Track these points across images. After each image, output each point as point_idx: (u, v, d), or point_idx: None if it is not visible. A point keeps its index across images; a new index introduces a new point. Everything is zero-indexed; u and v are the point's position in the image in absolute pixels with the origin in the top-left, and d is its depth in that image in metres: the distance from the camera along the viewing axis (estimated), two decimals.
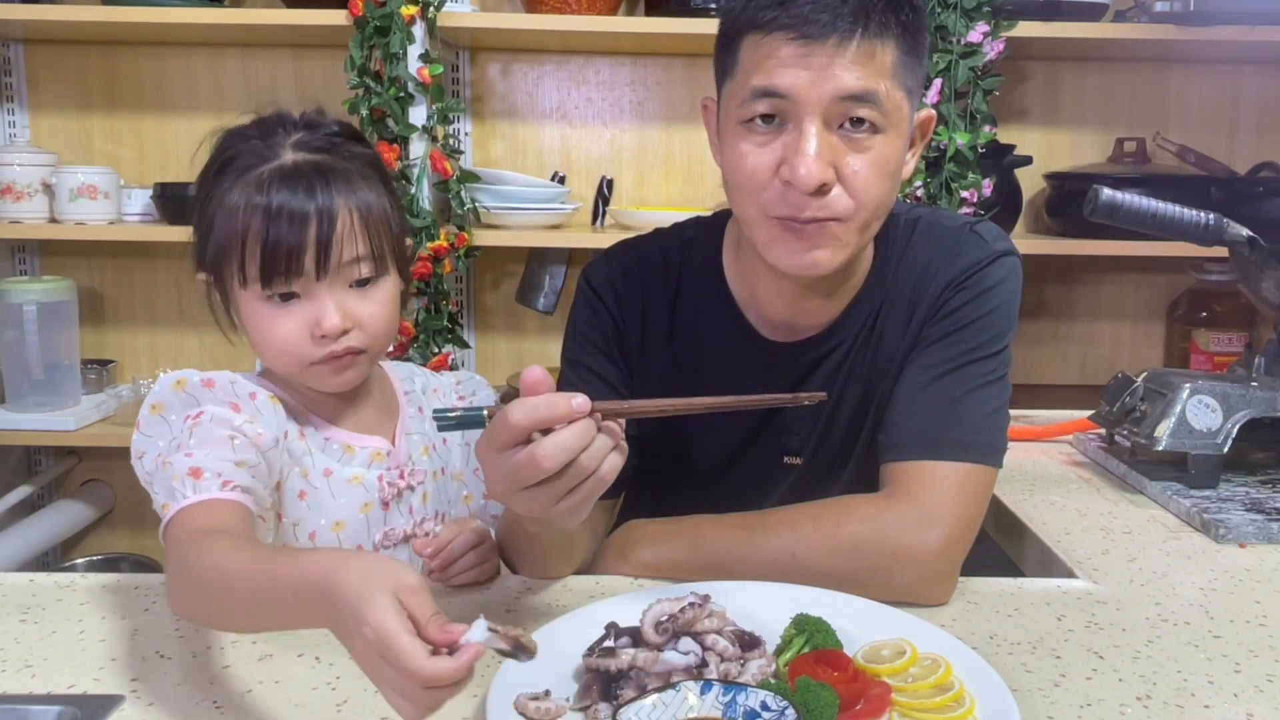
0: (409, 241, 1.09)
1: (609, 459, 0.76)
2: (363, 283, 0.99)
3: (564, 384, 1.10)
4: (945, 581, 0.95)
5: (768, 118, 0.92)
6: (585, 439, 0.74)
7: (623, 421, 0.79)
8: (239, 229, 0.96)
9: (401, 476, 1.06)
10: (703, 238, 1.11)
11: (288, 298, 0.97)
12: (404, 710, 0.63)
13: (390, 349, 1.36)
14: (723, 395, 0.98)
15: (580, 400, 0.74)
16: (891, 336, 1.06)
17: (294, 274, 0.95)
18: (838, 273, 0.99)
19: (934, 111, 1.02)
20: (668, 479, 1.15)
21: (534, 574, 1.01)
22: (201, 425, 0.93)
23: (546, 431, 0.73)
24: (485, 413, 0.77)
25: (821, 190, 0.91)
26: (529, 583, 0.99)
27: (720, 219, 1.11)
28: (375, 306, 1.00)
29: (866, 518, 0.95)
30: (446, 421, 0.78)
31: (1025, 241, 2.25)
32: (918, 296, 1.05)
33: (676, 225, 1.16)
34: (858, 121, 0.91)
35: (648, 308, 1.09)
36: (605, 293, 1.10)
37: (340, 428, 1.06)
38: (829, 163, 0.90)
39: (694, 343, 1.09)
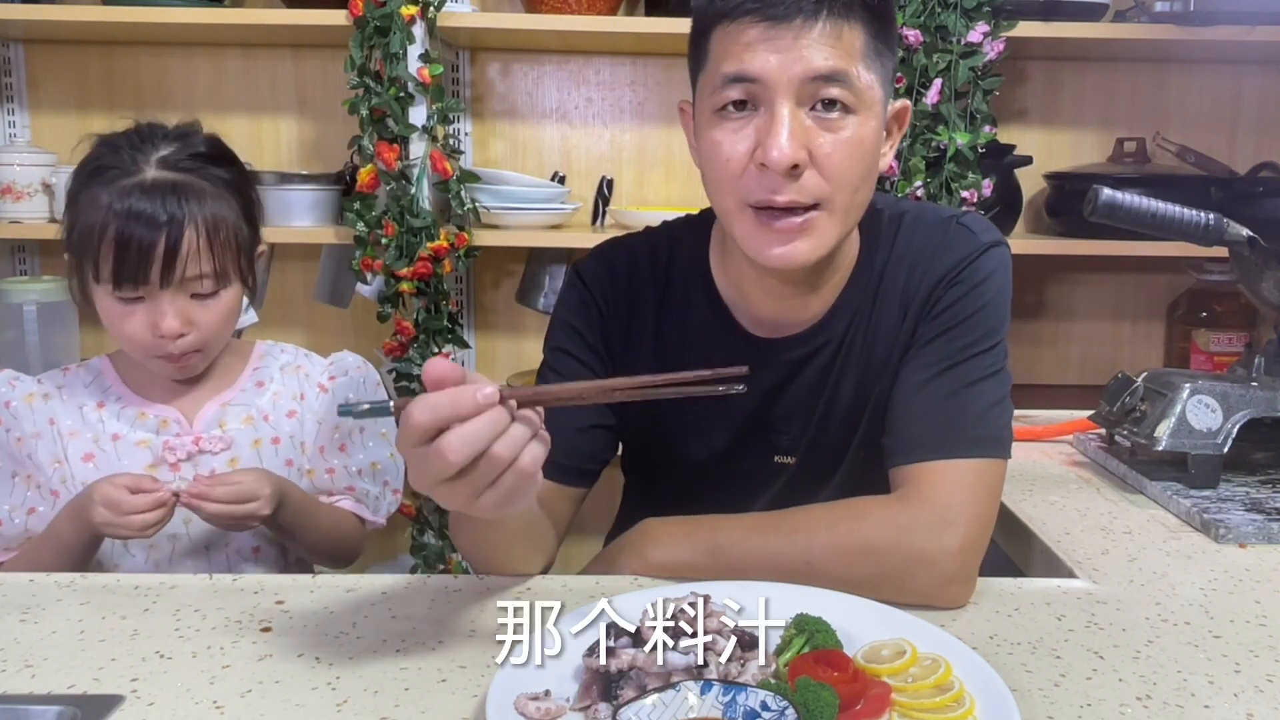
0: (260, 249, 1.22)
1: (529, 449, 0.74)
2: (203, 296, 1.12)
3: (545, 370, 1.12)
4: (963, 584, 0.95)
5: (740, 104, 0.93)
6: (496, 429, 0.72)
7: (542, 412, 0.77)
8: (97, 232, 1.08)
9: (195, 442, 1.18)
10: (690, 236, 1.12)
11: (134, 299, 1.10)
12: (128, 523, 1.06)
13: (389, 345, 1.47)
14: (706, 399, 1.02)
15: (489, 390, 0.71)
16: (886, 334, 1.06)
17: (140, 281, 1.09)
18: (820, 265, 0.99)
19: (909, 103, 1.02)
20: (657, 478, 1.15)
21: (496, 570, 0.99)
22: None
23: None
24: (392, 405, 0.75)
25: (795, 172, 0.91)
26: (529, 583, 0.99)
27: (707, 217, 1.11)
28: (213, 315, 1.14)
29: (881, 522, 0.95)
30: (349, 412, 0.77)
31: (1025, 241, 2.25)
32: (910, 293, 1.05)
33: (665, 224, 1.16)
34: (829, 103, 0.91)
35: (635, 304, 1.10)
36: (594, 285, 1.11)
37: (145, 397, 1.20)
38: (802, 144, 0.91)
39: (680, 341, 1.10)
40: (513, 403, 0.74)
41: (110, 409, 1.19)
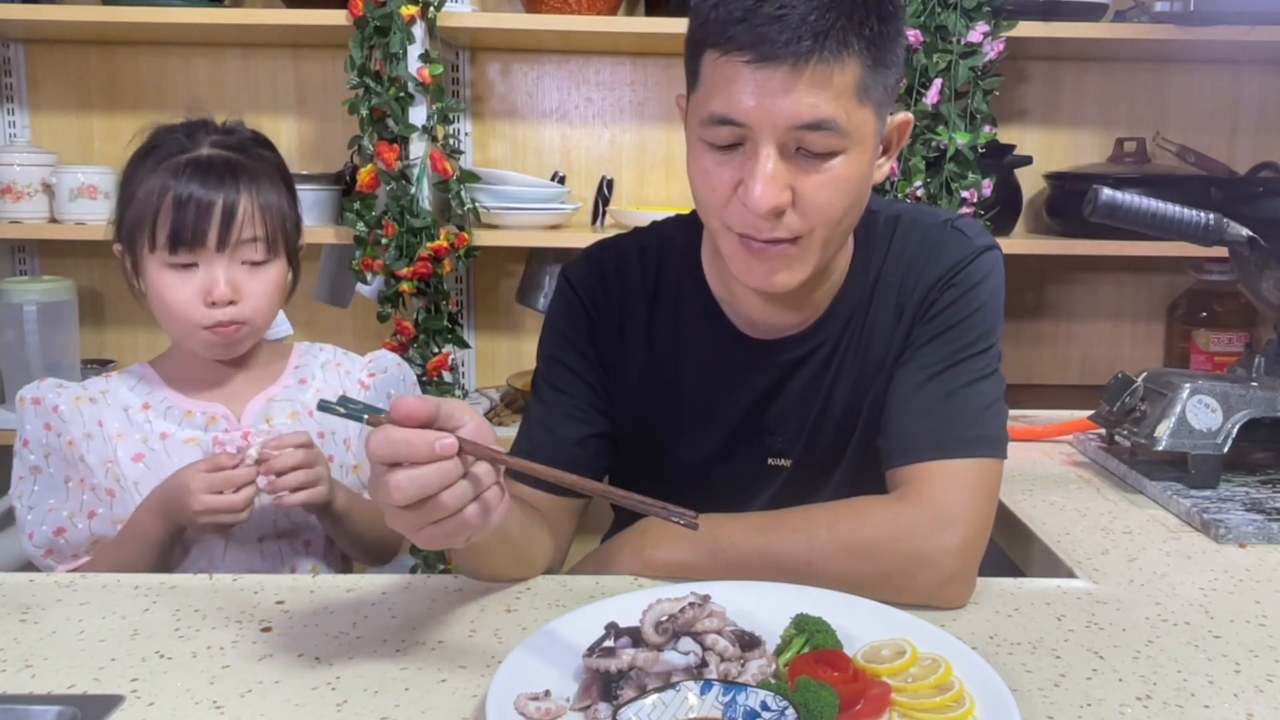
0: (302, 242, 1.25)
1: (471, 506, 0.75)
2: (254, 264, 1.15)
3: (539, 382, 1.12)
4: (963, 584, 0.95)
5: (728, 145, 0.91)
6: (446, 479, 0.73)
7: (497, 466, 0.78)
8: (154, 202, 1.12)
9: (244, 437, 1.17)
10: (681, 236, 1.11)
11: (188, 266, 1.13)
12: (231, 503, 1.08)
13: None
14: (699, 400, 1.08)
15: (447, 441, 0.72)
16: (881, 336, 1.06)
17: (197, 244, 1.12)
18: (805, 284, 0.98)
19: (910, 115, 1.00)
20: (649, 481, 1.15)
21: (481, 577, 0.98)
22: (25, 481, 1.18)
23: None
24: (365, 418, 0.77)
25: (776, 212, 0.90)
26: (529, 584, 0.99)
27: (699, 217, 1.11)
28: (261, 285, 1.16)
29: (882, 521, 0.95)
30: (328, 409, 0.78)
31: (1025, 241, 2.26)
32: (905, 296, 1.05)
33: (655, 224, 1.16)
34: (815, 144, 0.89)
35: (625, 306, 1.10)
36: (582, 290, 1.10)
37: (191, 396, 1.21)
38: (785, 184, 0.89)
39: (673, 341, 1.10)
40: (467, 456, 0.74)
41: (156, 409, 1.19)
